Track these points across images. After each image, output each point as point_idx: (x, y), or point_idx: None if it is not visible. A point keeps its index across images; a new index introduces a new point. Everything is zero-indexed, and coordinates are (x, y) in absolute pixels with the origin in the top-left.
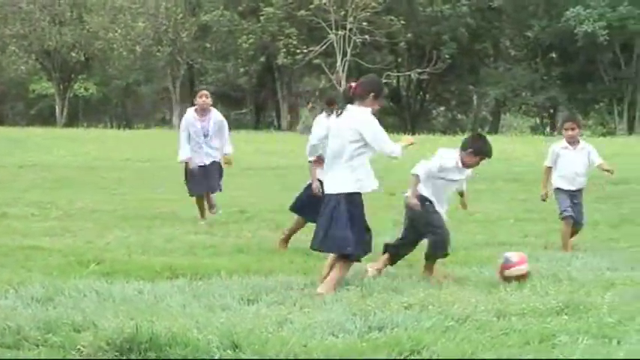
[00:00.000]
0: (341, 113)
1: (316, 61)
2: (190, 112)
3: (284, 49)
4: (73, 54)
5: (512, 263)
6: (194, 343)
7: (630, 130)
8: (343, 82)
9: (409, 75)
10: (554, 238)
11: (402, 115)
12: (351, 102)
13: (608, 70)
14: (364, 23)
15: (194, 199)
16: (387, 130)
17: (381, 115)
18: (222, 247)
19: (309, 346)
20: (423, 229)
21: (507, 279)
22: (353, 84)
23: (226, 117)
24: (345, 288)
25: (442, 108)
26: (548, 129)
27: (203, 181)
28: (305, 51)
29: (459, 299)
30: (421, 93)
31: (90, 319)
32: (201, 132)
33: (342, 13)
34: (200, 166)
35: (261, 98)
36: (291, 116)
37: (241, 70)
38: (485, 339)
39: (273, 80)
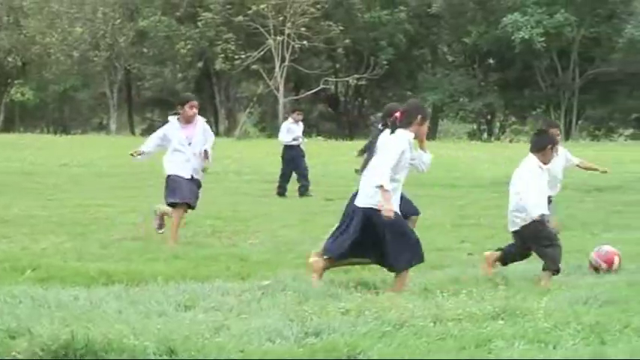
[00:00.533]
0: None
1: (254, 66)
2: (173, 121)
3: (222, 55)
4: (10, 59)
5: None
6: (130, 349)
7: (567, 136)
8: (281, 88)
9: (347, 81)
10: (489, 245)
11: (340, 120)
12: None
13: (545, 76)
14: (303, 29)
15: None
16: (325, 136)
17: (319, 121)
18: (159, 253)
19: (245, 352)
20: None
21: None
22: (397, 114)
23: (163, 123)
24: (282, 293)
25: (380, 114)
26: (485, 135)
27: (189, 190)
28: (243, 56)
29: (396, 305)
30: (359, 99)
31: (25, 326)
32: (186, 140)
33: (281, 18)
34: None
35: (199, 103)
36: (228, 122)
37: (179, 75)
38: (422, 344)
39: (211, 86)
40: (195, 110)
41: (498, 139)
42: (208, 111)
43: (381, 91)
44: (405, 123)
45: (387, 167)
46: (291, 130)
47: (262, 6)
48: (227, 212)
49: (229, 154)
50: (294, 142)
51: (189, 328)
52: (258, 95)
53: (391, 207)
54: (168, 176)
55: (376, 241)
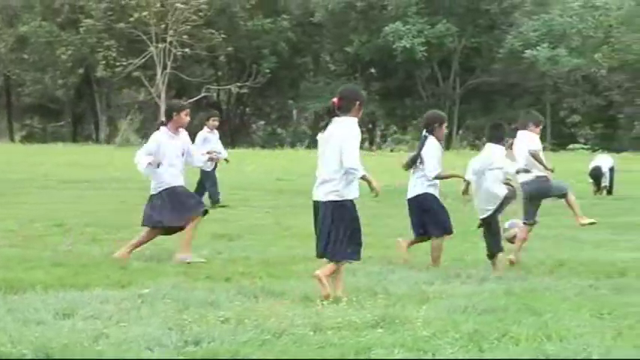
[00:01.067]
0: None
1: (136, 73)
2: (164, 130)
3: (103, 62)
4: None
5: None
6: (7, 358)
7: (448, 145)
8: (163, 95)
9: (229, 89)
10: (370, 253)
11: (223, 128)
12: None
13: (426, 85)
14: (185, 36)
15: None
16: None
17: (201, 129)
18: (38, 260)
19: None
20: None
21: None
22: (335, 100)
23: (43, 130)
24: (162, 301)
25: (262, 122)
26: (367, 144)
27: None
28: (125, 63)
29: (276, 313)
30: (241, 107)
31: None
32: (180, 151)
33: (163, 26)
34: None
35: (80, 110)
36: (109, 129)
37: (60, 81)
38: (302, 352)
39: (92, 93)
40: (188, 118)
41: (380, 148)
42: (89, 117)
43: (263, 100)
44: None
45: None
46: (207, 139)
47: (144, 13)
48: (107, 219)
49: (110, 161)
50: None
51: (68, 336)
52: (139, 102)
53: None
54: (168, 189)
55: None
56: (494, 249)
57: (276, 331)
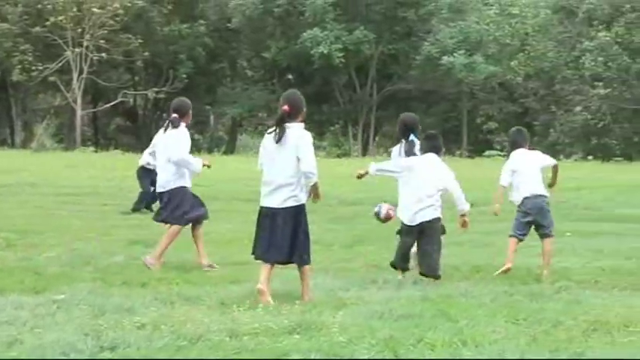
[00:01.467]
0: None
1: (52, 78)
2: (185, 129)
3: (19, 66)
4: None
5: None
6: None
7: (364, 151)
8: (79, 100)
9: (146, 94)
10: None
11: (139, 134)
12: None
13: (343, 92)
14: (101, 41)
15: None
16: (123, 149)
17: (117, 134)
18: None
19: None
20: None
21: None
22: (286, 107)
23: None
24: (77, 307)
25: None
26: None
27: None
28: (41, 68)
29: (192, 319)
30: (158, 112)
31: None
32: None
33: (79, 30)
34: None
35: None
36: (25, 134)
37: None
38: (218, 358)
39: (7, 97)
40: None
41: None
42: (4, 122)
43: None
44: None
45: None
46: None
47: (60, 17)
48: (21, 225)
49: (25, 167)
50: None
51: None
52: (55, 107)
53: None
54: (184, 188)
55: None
56: None
57: (192, 337)
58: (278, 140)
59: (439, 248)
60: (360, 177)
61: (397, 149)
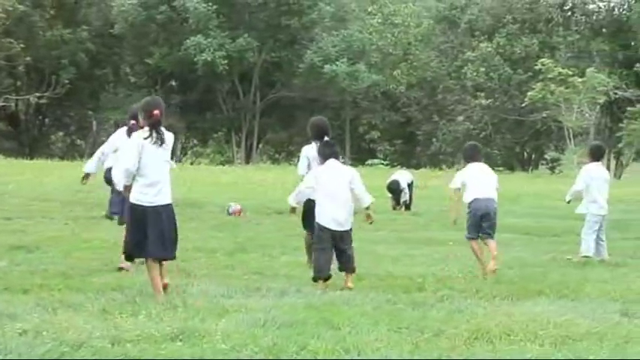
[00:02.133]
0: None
1: None
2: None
3: None
4: None
5: None
6: None
7: (247, 159)
8: None
9: (28, 99)
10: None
11: (21, 139)
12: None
13: (226, 99)
14: None
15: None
16: (5, 155)
17: None
18: None
19: None
20: None
21: None
22: (157, 112)
23: None
24: None
25: (61, 133)
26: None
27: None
28: None
29: (74, 326)
30: (40, 117)
31: None
32: None
33: None
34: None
35: None
36: None
37: None
38: None
39: None
40: None
41: (179, 161)
42: None
43: (63, 110)
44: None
45: None
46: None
47: None
48: None
49: None
50: None
51: None
52: None
53: None
54: None
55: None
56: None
57: (74, 344)
58: (161, 143)
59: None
60: (293, 211)
61: (307, 149)
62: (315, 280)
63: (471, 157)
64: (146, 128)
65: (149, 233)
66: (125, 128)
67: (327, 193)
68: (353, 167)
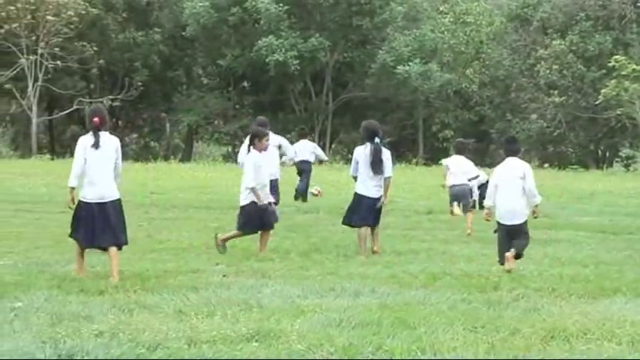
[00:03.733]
0: None
1: (7, 85)
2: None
3: None
4: None
5: None
6: None
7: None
8: (34, 108)
9: (102, 101)
10: (244, 267)
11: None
12: None
13: (299, 100)
14: (56, 49)
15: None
16: None
17: (73, 142)
18: None
19: None
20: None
21: None
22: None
23: None
24: (35, 315)
25: (135, 135)
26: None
27: None
28: None
29: (150, 327)
30: (114, 120)
31: None
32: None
33: (34, 38)
34: None
35: None
36: None
37: None
38: None
39: None
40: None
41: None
42: None
43: (136, 112)
44: None
45: None
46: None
47: (14, 25)
48: None
49: None
50: None
51: None
52: (10, 115)
53: None
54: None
55: None
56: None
57: (150, 345)
58: (99, 147)
59: None
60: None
61: (357, 150)
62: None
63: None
64: (89, 133)
65: (96, 226)
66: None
67: (502, 188)
68: (426, 166)
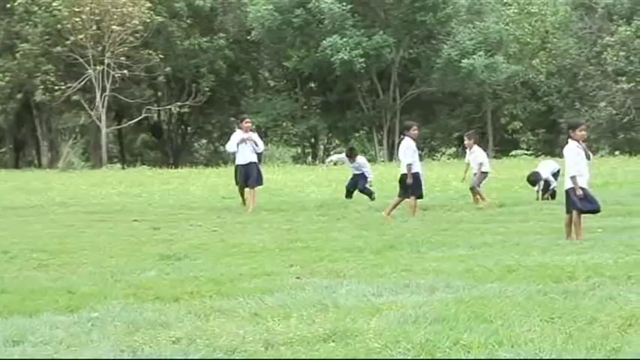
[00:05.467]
0: None
1: (75, 97)
2: None
3: (42, 86)
4: None
5: None
6: None
7: (390, 156)
8: (103, 118)
9: (170, 109)
10: (318, 268)
11: (165, 149)
12: None
13: (366, 98)
14: (122, 58)
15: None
16: (149, 165)
17: (143, 150)
18: None
19: None
20: None
21: None
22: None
23: None
24: (112, 324)
25: (204, 140)
26: (309, 158)
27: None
28: (63, 87)
29: (227, 331)
30: (182, 126)
31: None
32: None
33: (100, 48)
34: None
35: (21, 136)
36: (51, 153)
37: None
38: None
39: (32, 118)
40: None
41: (323, 162)
42: (30, 143)
43: (205, 118)
44: None
45: None
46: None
47: (80, 36)
48: (53, 245)
49: (54, 186)
50: None
51: None
52: (80, 126)
53: None
54: None
55: None
56: None
57: (228, 349)
58: None
59: None
60: None
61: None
62: None
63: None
64: None
65: None
66: None
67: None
68: (496, 159)
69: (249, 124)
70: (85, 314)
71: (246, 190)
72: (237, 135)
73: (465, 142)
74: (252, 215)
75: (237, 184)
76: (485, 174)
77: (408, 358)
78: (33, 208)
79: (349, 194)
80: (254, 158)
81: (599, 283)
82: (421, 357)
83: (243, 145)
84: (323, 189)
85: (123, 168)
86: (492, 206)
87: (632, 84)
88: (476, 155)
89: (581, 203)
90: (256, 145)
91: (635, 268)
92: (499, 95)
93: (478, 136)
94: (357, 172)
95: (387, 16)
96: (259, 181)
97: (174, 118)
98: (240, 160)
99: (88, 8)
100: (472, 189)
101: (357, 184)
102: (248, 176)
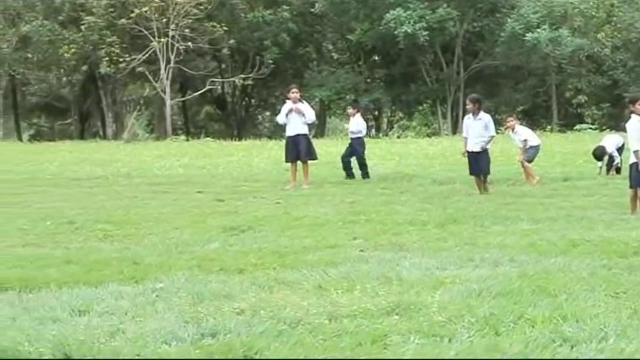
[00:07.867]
0: None
1: (140, 69)
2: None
3: (107, 58)
4: None
5: None
6: (25, 356)
7: (454, 130)
8: (168, 90)
9: (234, 81)
10: (382, 241)
11: (229, 121)
12: None
13: (430, 71)
14: (186, 30)
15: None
16: (213, 137)
17: (207, 122)
18: (50, 258)
19: (141, 355)
20: None
21: None
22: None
23: (51, 128)
24: (176, 295)
25: (268, 113)
26: (373, 131)
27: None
28: (128, 59)
29: (291, 303)
30: (246, 99)
31: None
32: None
33: (164, 20)
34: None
35: (86, 108)
36: (116, 125)
37: (64, 79)
38: (318, 342)
39: (97, 89)
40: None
41: (387, 135)
42: (95, 114)
43: (268, 91)
44: None
45: None
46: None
47: (145, 9)
48: (117, 216)
49: (118, 158)
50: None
51: (85, 332)
52: (145, 98)
53: None
54: None
55: None
56: None
57: (292, 321)
58: None
59: None
60: None
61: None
62: None
63: None
64: None
65: None
66: None
67: None
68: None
69: (297, 94)
70: (149, 285)
71: (299, 164)
72: (287, 106)
73: (509, 123)
74: (315, 188)
75: (286, 160)
76: (534, 148)
77: (473, 333)
78: (97, 179)
79: (348, 168)
80: (303, 130)
81: None
82: (485, 330)
83: (292, 115)
84: (386, 162)
85: (187, 140)
86: (539, 183)
87: None
88: (519, 135)
89: None
90: (304, 116)
91: None
92: (564, 69)
93: (515, 116)
94: (352, 137)
95: None
96: (310, 153)
97: (238, 90)
98: (289, 131)
99: None
100: (522, 165)
101: (353, 152)
102: (297, 150)
